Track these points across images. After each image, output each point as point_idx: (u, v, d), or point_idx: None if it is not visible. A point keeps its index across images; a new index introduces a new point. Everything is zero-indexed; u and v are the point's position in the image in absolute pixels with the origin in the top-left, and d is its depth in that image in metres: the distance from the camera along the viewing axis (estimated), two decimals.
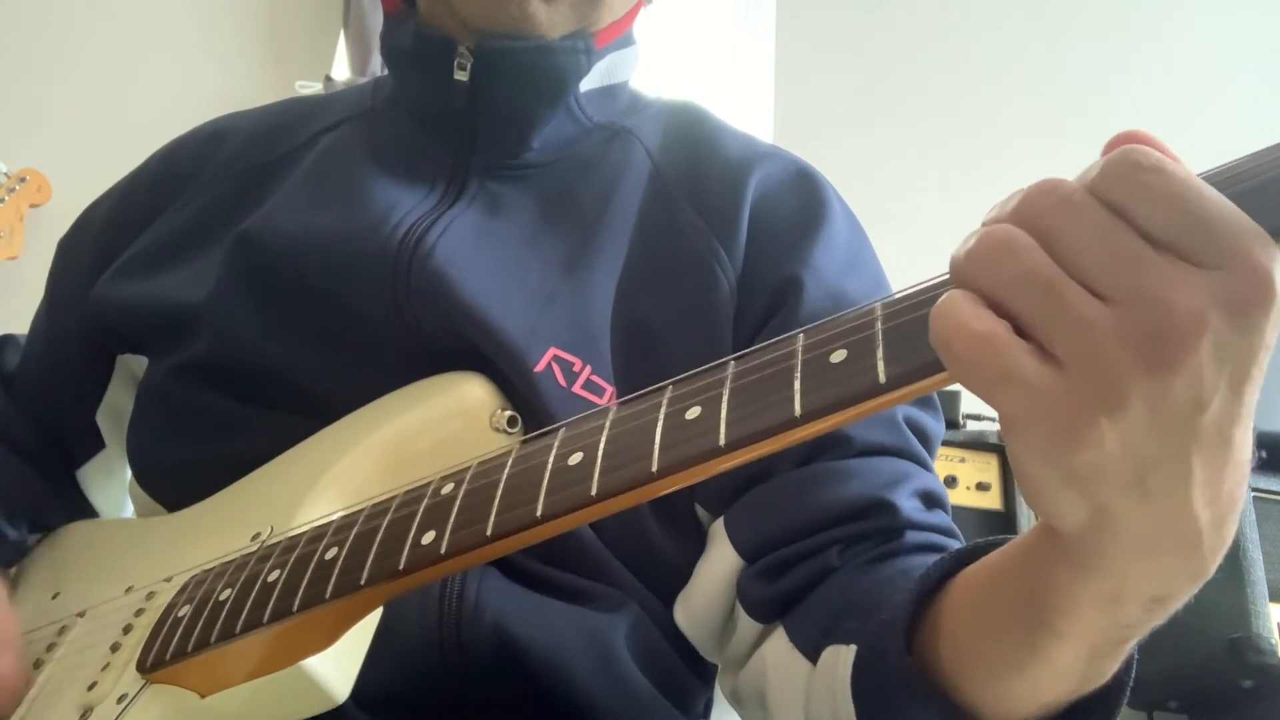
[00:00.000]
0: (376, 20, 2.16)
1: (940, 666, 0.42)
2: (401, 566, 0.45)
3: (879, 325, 0.35)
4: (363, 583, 0.46)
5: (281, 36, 2.30)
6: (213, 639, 0.49)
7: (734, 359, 0.41)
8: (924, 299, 0.34)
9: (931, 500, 0.61)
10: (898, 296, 0.36)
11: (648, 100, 0.79)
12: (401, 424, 0.59)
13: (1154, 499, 0.29)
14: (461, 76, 0.68)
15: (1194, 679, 1.51)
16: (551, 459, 0.43)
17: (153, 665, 0.50)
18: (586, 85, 0.73)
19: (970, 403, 1.74)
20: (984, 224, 0.31)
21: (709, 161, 0.72)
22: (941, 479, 0.63)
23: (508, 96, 0.69)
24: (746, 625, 0.60)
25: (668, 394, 0.42)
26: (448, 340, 0.62)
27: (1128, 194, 0.29)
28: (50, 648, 0.60)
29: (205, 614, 0.50)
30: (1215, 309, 0.27)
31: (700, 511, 0.65)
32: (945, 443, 1.54)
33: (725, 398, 0.39)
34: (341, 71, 2.19)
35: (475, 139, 0.71)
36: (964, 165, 2.40)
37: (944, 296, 0.30)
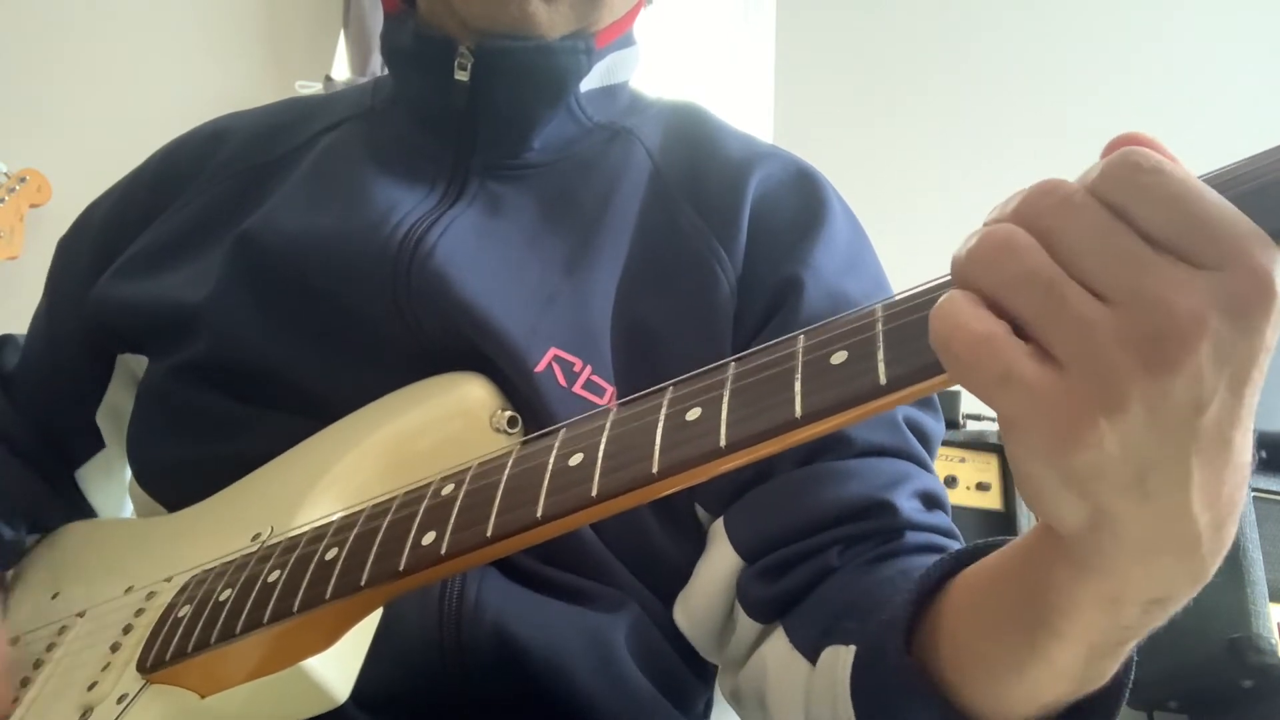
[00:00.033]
0: (376, 20, 2.16)
1: (940, 667, 0.42)
2: (402, 567, 0.45)
3: (880, 326, 0.35)
4: (363, 583, 0.46)
5: (281, 36, 2.30)
6: (213, 639, 0.49)
7: (734, 360, 0.41)
8: (925, 300, 0.34)
9: (931, 501, 0.61)
10: (898, 298, 0.36)
11: (648, 100, 0.79)
12: (402, 424, 0.59)
13: (1153, 500, 0.29)
14: (462, 76, 0.68)
15: (1194, 679, 1.51)
16: (552, 460, 0.43)
17: (153, 665, 0.50)
18: (587, 85, 0.73)
19: (970, 403, 1.74)
20: (985, 224, 0.31)
21: (709, 162, 0.72)
22: (941, 479, 0.64)
23: (508, 96, 0.69)
24: (746, 625, 0.60)
25: (668, 395, 0.42)
26: (448, 340, 0.62)
27: (1128, 195, 0.29)
28: (50, 648, 0.60)
29: (205, 614, 0.50)
30: (1215, 310, 0.27)
31: (700, 512, 0.65)
32: (945, 443, 1.54)
33: (726, 399, 0.39)
34: (341, 71, 2.19)
35: (475, 139, 0.71)
36: (964, 165, 2.40)
37: (944, 297, 0.30)
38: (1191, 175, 0.29)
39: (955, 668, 0.41)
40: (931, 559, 0.48)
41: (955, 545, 0.59)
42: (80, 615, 0.61)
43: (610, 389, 0.62)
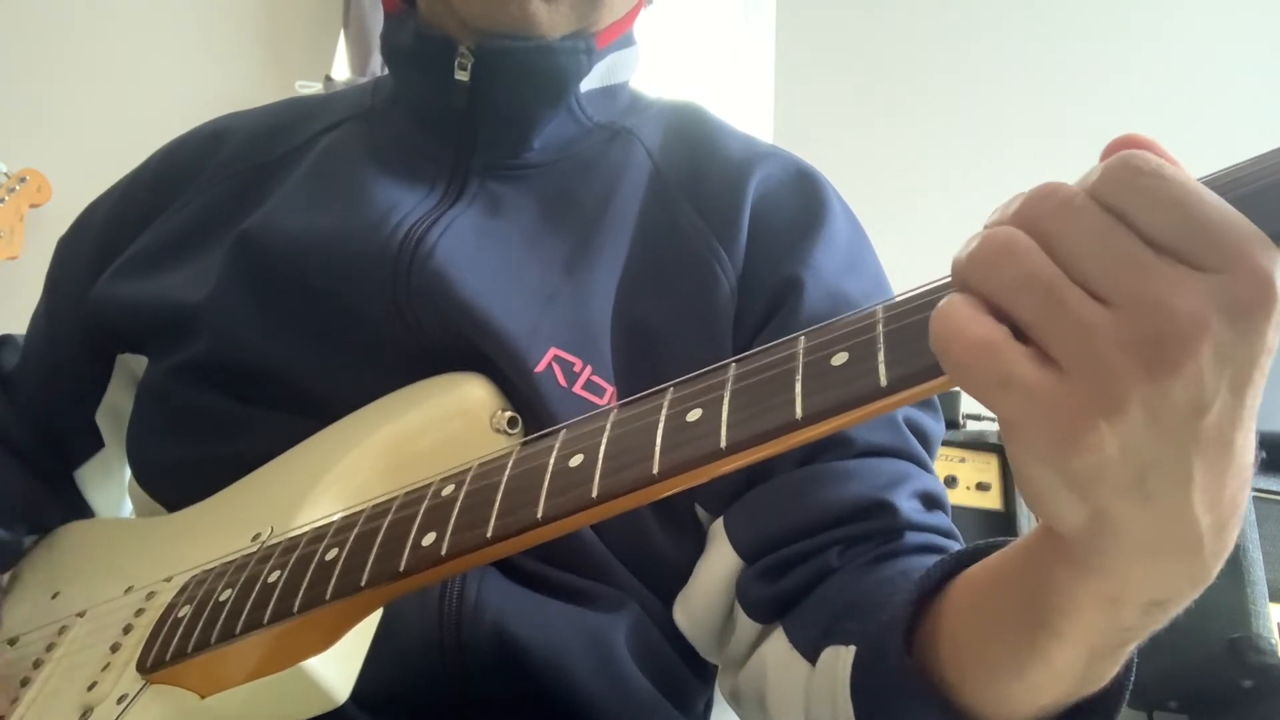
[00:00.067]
0: (376, 20, 2.16)
1: (940, 667, 0.42)
2: (402, 568, 0.45)
3: (880, 328, 0.35)
4: (363, 584, 0.46)
5: (281, 36, 2.30)
6: (213, 639, 0.49)
7: (735, 361, 0.41)
8: (925, 301, 0.34)
9: (931, 501, 0.61)
10: (899, 299, 0.36)
11: (648, 100, 0.79)
12: (402, 424, 0.59)
13: (1154, 502, 0.29)
14: (462, 76, 0.68)
15: (1194, 679, 1.51)
16: (552, 461, 0.43)
17: (153, 665, 0.50)
18: (587, 85, 0.73)
19: (970, 403, 1.74)
20: (985, 226, 0.31)
21: (709, 162, 0.72)
22: (941, 479, 0.64)
23: (508, 96, 0.69)
24: (746, 625, 0.60)
25: (669, 396, 0.42)
26: (448, 340, 0.62)
27: (1127, 199, 0.29)
28: (50, 647, 0.60)
29: (205, 614, 0.50)
30: (1216, 313, 0.27)
31: (700, 512, 0.65)
32: (945, 443, 1.54)
33: (726, 400, 0.39)
34: (341, 71, 2.19)
35: (476, 139, 0.71)
36: (964, 165, 2.40)
37: (943, 301, 0.30)
38: (1191, 178, 0.29)
39: (955, 668, 0.41)
40: (931, 559, 0.48)
41: (955, 545, 0.59)
42: (80, 615, 0.61)
43: (610, 389, 0.62)
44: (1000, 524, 1.59)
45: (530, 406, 0.60)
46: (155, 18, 2.27)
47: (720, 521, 0.62)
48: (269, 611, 0.48)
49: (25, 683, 0.58)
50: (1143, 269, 0.28)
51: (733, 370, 0.40)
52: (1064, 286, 0.29)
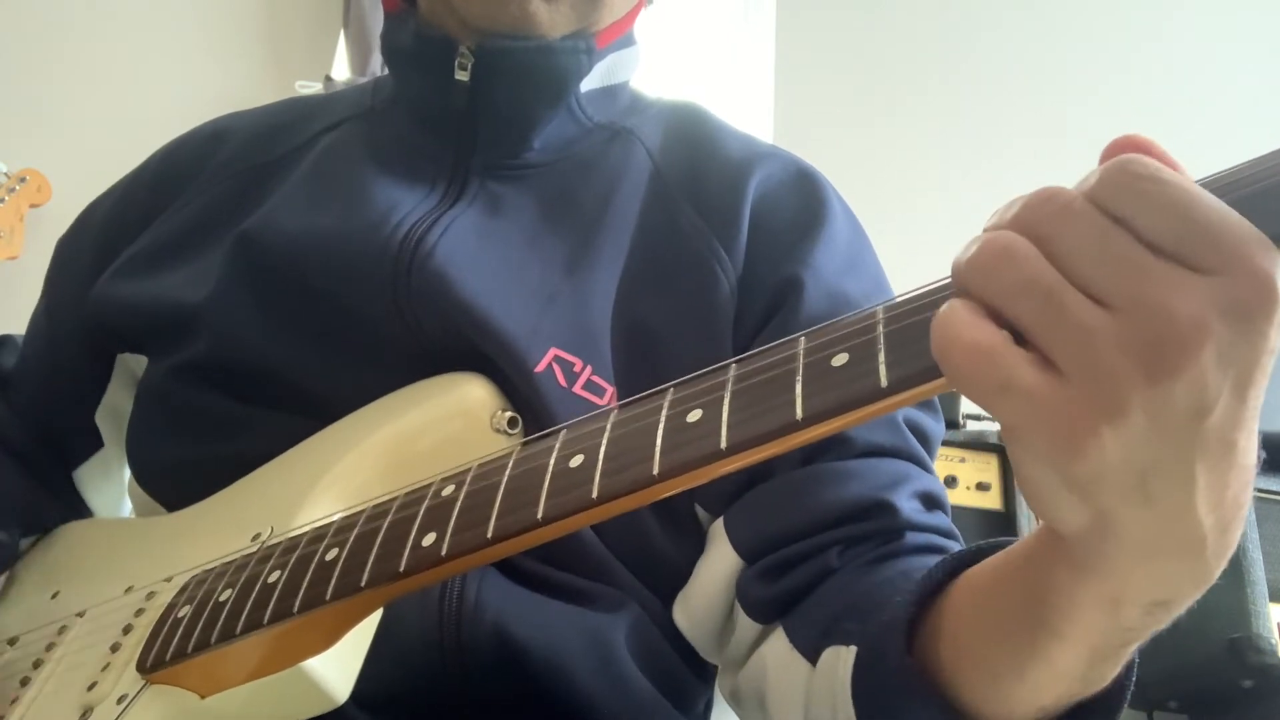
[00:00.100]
0: (376, 20, 2.16)
1: (941, 668, 0.42)
2: (402, 568, 0.45)
3: (881, 329, 0.35)
4: (363, 584, 0.46)
5: (281, 36, 2.30)
6: (213, 639, 0.49)
7: (735, 361, 0.41)
8: (926, 302, 0.34)
9: (931, 501, 0.61)
10: (899, 300, 0.36)
11: (648, 100, 0.79)
12: (402, 425, 0.59)
13: (1157, 504, 0.29)
14: (462, 76, 0.68)
15: (1194, 679, 1.51)
16: (552, 461, 0.43)
17: (153, 665, 0.50)
18: (587, 85, 0.73)
19: (970, 403, 1.74)
20: (985, 230, 0.31)
21: (709, 162, 0.72)
22: (941, 479, 0.64)
23: (508, 96, 0.69)
24: (746, 626, 0.60)
25: (669, 396, 0.42)
26: (448, 340, 0.62)
27: (1125, 202, 0.29)
28: (50, 647, 0.60)
29: (205, 614, 0.50)
30: (1217, 315, 0.27)
31: (700, 512, 0.65)
32: (945, 443, 1.54)
33: (727, 400, 0.38)
34: (341, 71, 2.19)
35: (476, 139, 0.71)
36: (964, 165, 2.40)
37: (943, 307, 0.30)
38: (1189, 181, 0.29)
39: (956, 669, 0.41)
40: (932, 559, 0.48)
41: (955, 546, 0.59)
42: (80, 615, 0.61)
43: (610, 389, 0.62)
44: (1000, 524, 1.59)
45: (530, 406, 0.60)
46: (155, 18, 2.27)
47: (720, 521, 0.62)
48: (269, 612, 0.48)
49: (25, 682, 0.58)
50: (1142, 272, 0.28)
51: (733, 371, 0.40)
52: (1064, 291, 0.28)
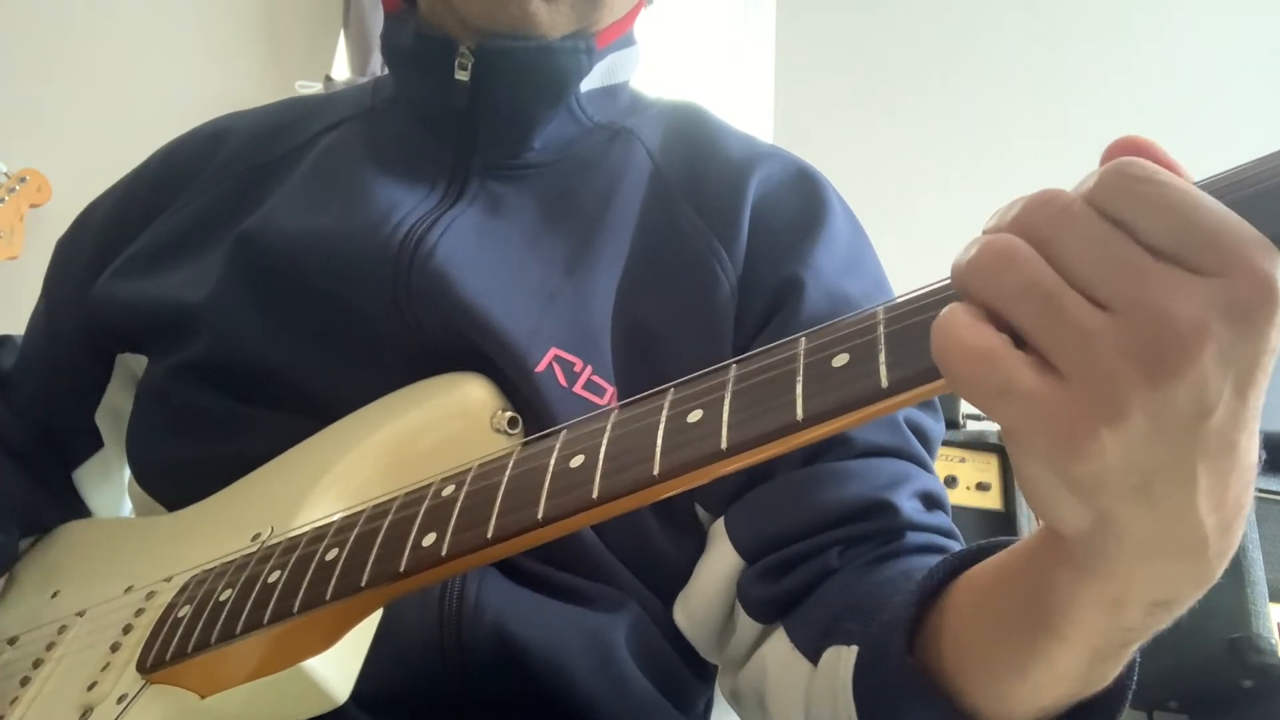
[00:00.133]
0: (376, 20, 2.16)
1: (942, 668, 0.42)
2: (402, 568, 0.45)
3: (881, 329, 0.35)
4: (363, 584, 0.46)
5: (281, 36, 2.30)
6: (213, 639, 0.49)
7: (736, 362, 0.41)
8: (926, 303, 0.34)
9: (932, 501, 0.61)
10: (900, 300, 0.36)
11: (648, 100, 0.79)
12: (402, 425, 0.59)
13: (1158, 506, 0.29)
14: (462, 76, 0.68)
15: (1194, 679, 1.52)
16: (553, 461, 0.43)
17: (153, 665, 0.50)
18: (587, 85, 0.73)
19: None
20: (984, 232, 0.31)
21: (709, 162, 0.72)
22: (941, 479, 0.64)
23: (509, 96, 0.69)
24: (746, 625, 0.60)
25: (669, 397, 0.42)
26: (448, 340, 0.62)
27: (1124, 205, 0.29)
28: (50, 647, 0.60)
29: (205, 614, 0.50)
30: (1218, 316, 0.27)
31: (700, 512, 0.65)
32: (945, 443, 1.54)
33: (727, 401, 0.38)
34: (341, 71, 2.19)
35: (476, 139, 0.71)
36: (964, 165, 2.40)
37: (943, 311, 0.30)
38: (1187, 183, 0.29)
39: (957, 669, 0.41)
40: (932, 559, 0.47)
41: (956, 545, 0.59)
42: (80, 615, 0.61)
43: (611, 389, 0.62)
44: (1000, 524, 1.59)
45: (531, 406, 0.60)
46: (155, 18, 2.27)
47: (721, 521, 0.62)
48: (269, 612, 0.48)
49: (25, 682, 0.58)
50: (1141, 275, 0.28)
51: (734, 371, 0.40)
52: (1063, 293, 0.28)
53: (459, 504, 0.46)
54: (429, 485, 0.49)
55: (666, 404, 0.41)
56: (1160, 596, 0.33)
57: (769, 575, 0.58)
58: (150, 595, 0.57)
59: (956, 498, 1.60)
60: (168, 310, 0.69)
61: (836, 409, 0.35)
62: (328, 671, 0.46)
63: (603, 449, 0.42)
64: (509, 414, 0.60)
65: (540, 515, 0.42)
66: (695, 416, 0.39)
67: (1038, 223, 0.30)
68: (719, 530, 0.62)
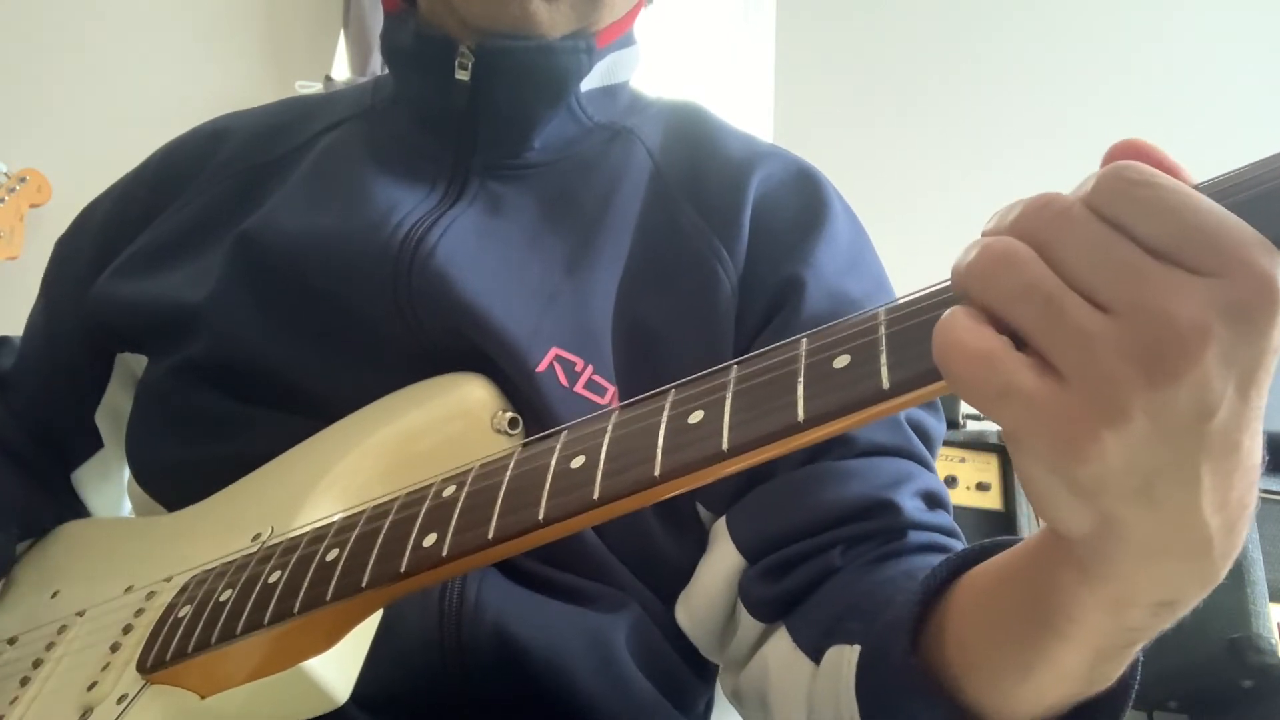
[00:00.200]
0: (376, 20, 2.16)
1: (945, 667, 0.42)
2: (403, 569, 0.45)
3: (882, 330, 0.35)
4: (364, 585, 0.46)
5: (281, 36, 2.30)
6: (213, 640, 0.49)
7: (737, 363, 0.41)
8: (928, 304, 0.34)
9: (934, 500, 0.61)
10: (902, 301, 0.36)
11: (648, 100, 0.79)
12: (402, 425, 0.59)
13: (1162, 507, 0.29)
14: (462, 76, 0.68)
15: (1194, 679, 1.51)
16: (554, 462, 0.43)
17: (153, 665, 0.50)
18: (587, 85, 0.73)
19: None
20: (983, 234, 0.31)
21: (710, 161, 0.72)
22: (941, 479, 0.64)
23: (509, 96, 0.69)
24: (748, 625, 0.60)
25: (670, 397, 0.42)
26: (449, 340, 0.62)
27: (1122, 208, 0.29)
28: (50, 647, 0.60)
29: (206, 614, 0.50)
30: (1218, 317, 0.27)
31: (702, 511, 0.65)
32: (945, 443, 1.54)
33: (728, 402, 0.38)
34: (341, 71, 2.19)
35: (476, 139, 0.70)
36: (964, 165, 2.40)
37: (944, 314, 0.30)
38: (1185, 186, 0.29)
39: (960, 668, 0.41)
40: (934, 558, 0.47)
41: (958, 545, 0.59)
42: (80, 615, 0.61)
43: (612, 389, 0.62)
44: (1000, 524, 1.59)
45: (531, 406, 0.60)
46: (155, 18, 2.27)
47: (723, 521, 0.62)
48: (269, 612, 0.48)
49: (25, 682, 0.58)
50: (1141, 277, 0.28)
51: (735, 372, 0.40)
52: (1063, 295, 0.29)
53: (460, 504, 0.46)
54: (430, 486, 0.49)
55: (668, 405, 0.41)
56: (1164, 597, 0.33)
57: (771, 574, 0.58)
58: (150, 595, 0.57)
59: (956, 498, 1.60)
60: (168, 310, 0.69)
61: (838, 410, 0.35)
62: (328, 672, 0.46)
63: (604, 450, 0.42)
64: (509, 414, 0.60)
65: (541, 516, 0.42)
66: (696, 417, 0.39)
67: (1037, 226, 0.30)
68: (721, 529, 0.62)
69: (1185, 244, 0.28)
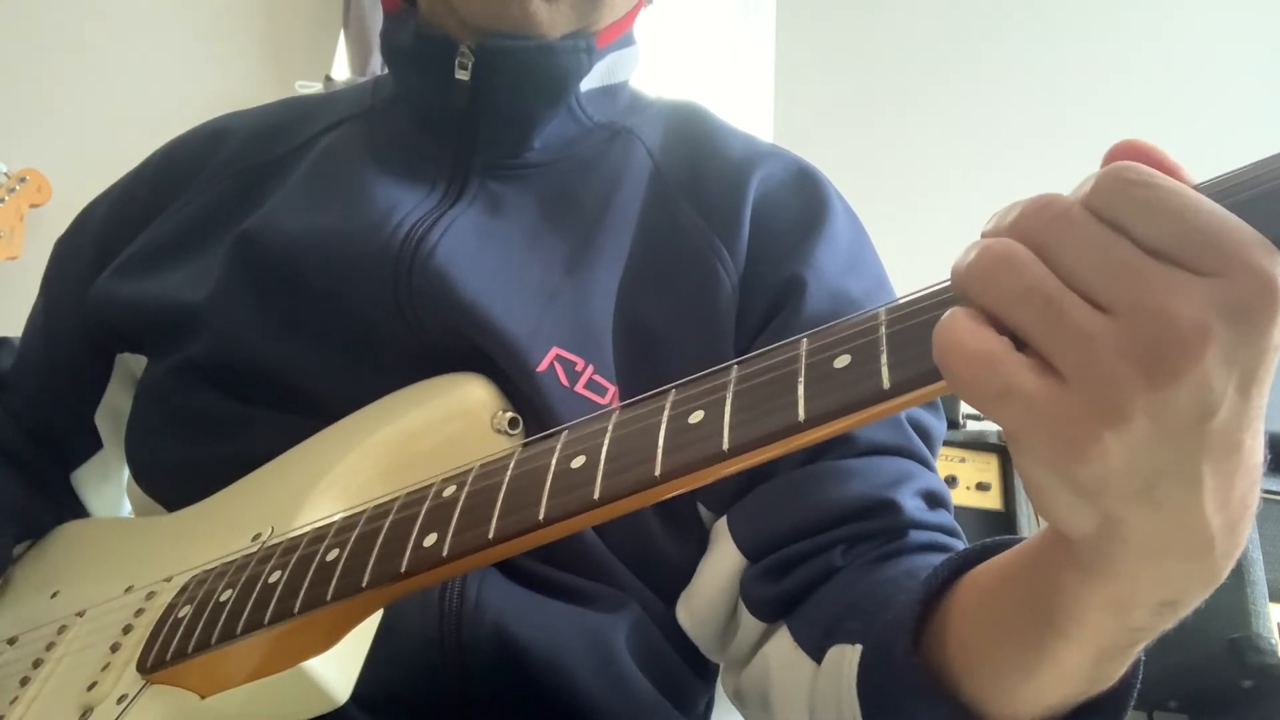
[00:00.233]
0: (376, 20, 2.16)
1: (947, 667, 0.42)
2: (403, 569, 0.45)
3: (883, 330, 0.35)
4: (364, 585, 0.46)
5: (281, 36, 2.30)
6: (213, 640, 0.49)
7: (738, 363, 0.41)
8: (928, 304, 0.34)
9: (934, 500, 0.61)
10: (902, 301, 0.36)
11: (648, 100, 0.79)
12: (403, 425, 0.59)
13: (1163, 507, 0.29)
14: (462, 76, 0.68)
15: (1194, 679, 1.51)
16: (554, 462, 0.43)
17: (153, 666, 0.50)
18: (587, 85, 0.73)
19: None
20: (983, 235, 0.31)
21: (710, 161, 0.72)
22: (941, 479, 0.64)
23: (509, 96, 0.69)
24: (749, 624, 0.60)
25: (671, 397, 0.42)
26: (449, 340, 0.62)
27: (1121, 208, 0.29)
28: (50, 647, 0.60)
29: (206, 615, 0.50)
30: (1218, 317, 0.27)
31: (703, 511, 0.65)
32: (945, 443, 1.54)
33: (729, 402, 0.38)
34: (341, 71, 2.19)
35: (476, 138, 0.70)
36: (964, 165, 2.40)
37: (945, 315, 0.30)
38: (1185, 186, 0.29)
39: (962, 668, 0.41)
40: (935, 558, 0.47)
41: (959, 544, 0.59)
42: (80, 615, 0.61)
43: (612, 388, 0.62)
44: (1000, 524, 1.59)
45: (532, 406, 0.60)
46: (155, 18, 2.27)
47: (723, 520, 0.62)
48: (269, 612, 0.48)
49: (25, 682, 0.58)
50: (1141, 277, 0.28)
51: (735, 372, 0.40)
52: (1063, 296, 0.29)
53: (460, 504, 0.46)
54: (430, 486, 0.49)
55: (668, 405, 0.41)
56: (1167, 597, 0.33)
57: (772, 574, 0.58)
58: (150, 595, 0.57)
59: (956, 498, 1.60)
60: (168, 310, 0.69)
61: (838, 410, 0.35)
62: (328, 672, 0.46)
63: (604, 449, 0.42)
64: (509, 414, 0.60)
65: (542, 516, 0.42)
66: (697, 417, 0.39)
67: (1036, 227, 0.30)
68: (721, 529, 0.62)
69: (1185, 244, 0.28)
